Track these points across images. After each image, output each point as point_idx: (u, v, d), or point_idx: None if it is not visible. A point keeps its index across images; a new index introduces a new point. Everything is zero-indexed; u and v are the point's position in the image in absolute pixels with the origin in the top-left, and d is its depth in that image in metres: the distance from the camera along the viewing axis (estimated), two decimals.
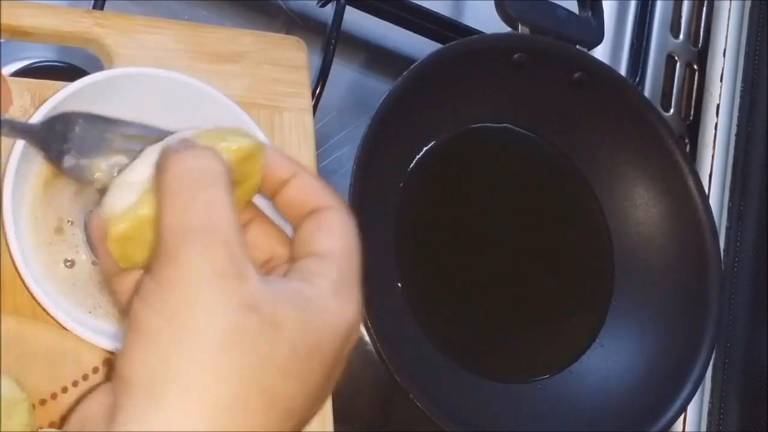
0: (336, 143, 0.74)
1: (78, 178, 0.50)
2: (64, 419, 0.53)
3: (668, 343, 0.73)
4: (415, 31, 0.77)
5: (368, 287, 0.60)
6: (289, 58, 0.65)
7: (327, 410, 0.60)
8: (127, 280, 0.44)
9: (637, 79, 0.88)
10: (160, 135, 0.46)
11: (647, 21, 0.91)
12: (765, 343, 0.84)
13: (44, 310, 0.52)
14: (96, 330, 0.54)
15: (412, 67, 0.66)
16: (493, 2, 0.72)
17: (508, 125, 0.75)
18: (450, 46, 0.69)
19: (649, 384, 0.71)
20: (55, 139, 0.50)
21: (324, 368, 0.41)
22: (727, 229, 0.90)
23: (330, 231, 0.43)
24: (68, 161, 0.50)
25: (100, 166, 0.49)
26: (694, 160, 0.89)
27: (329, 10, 0.73)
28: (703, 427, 0.84)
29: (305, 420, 0.41)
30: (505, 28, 0.72)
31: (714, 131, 0.92)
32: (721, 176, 0.91)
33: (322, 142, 0.72)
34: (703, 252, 0.74)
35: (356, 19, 0.76)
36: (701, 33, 0.94)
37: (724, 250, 0.84)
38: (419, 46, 0.77)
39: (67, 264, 0.56)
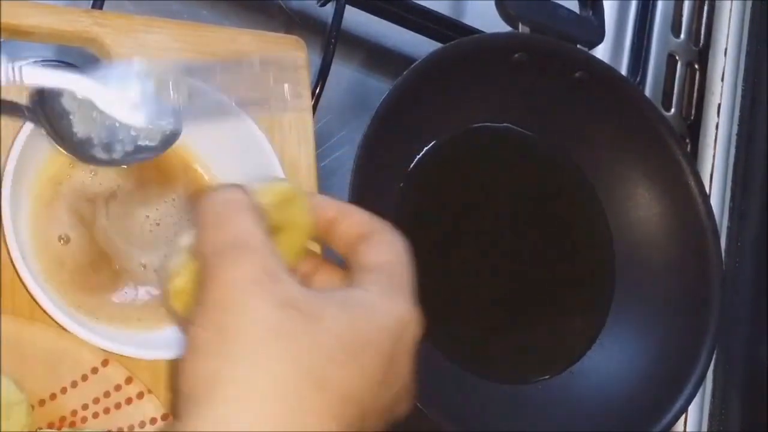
0: (336, 143, 0.74)
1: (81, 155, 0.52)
2: (63, 420, 0.53)
3: (669, 343, 0.73)
4: (415, 31, 0.77)
5: None
6: (289, 58, 0.65)
7: None
8: None
9: (638, 79, 0.88)
10: None
11: (648, 20, 0.90)
12: (766, 343, 0.84)
13: (43, 310, 0.52)
14: (95, 330, 0.54)
15: (412, 66, 0.66)
16: (493, 2, 0.72)
17: (508, 125, 0.75)
18: (450, 46, 0.69)
19: (650, 384, 0.71)
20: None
21: (379, 361, 0.42)
22: (728, 229, 0.90)
23: (379, 247, 0.47)
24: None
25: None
26: (695, 160, 0.88)
27: (329, 9, 0.73)
28: (704, 428, 0.84)
29: (382, 414, 0.43)
30: (505, 28, 0.72)
31: (715, 131, 0.92)
32: (722, 176, 0.91)
33: (322, 142, 0.71)
34: (703, 252, 0.74)
35: (356, 19, 0.75)
36: (702, 32, 0.94)
37: (724, 250, 0.84)
38: (419, 45, 0.77)
39: (69, 264, 0.56)
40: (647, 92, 0.88)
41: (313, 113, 0.66)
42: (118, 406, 0.54)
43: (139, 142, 0.54)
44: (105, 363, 0.53)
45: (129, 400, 0.54)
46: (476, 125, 0.73)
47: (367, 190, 0.62)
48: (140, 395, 0.54)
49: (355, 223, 0.47)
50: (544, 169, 0.76)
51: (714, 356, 0.73)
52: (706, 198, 0.75)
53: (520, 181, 0.75)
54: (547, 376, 0.71)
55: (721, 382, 0.85)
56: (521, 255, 0.74)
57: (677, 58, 0.92)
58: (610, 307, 0.74)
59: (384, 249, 0.47)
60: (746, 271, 0.87)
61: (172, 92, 0.52)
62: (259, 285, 0.40)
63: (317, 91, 0.69)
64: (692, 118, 0.92)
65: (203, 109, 0.58)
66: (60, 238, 0.56)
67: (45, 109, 0.52)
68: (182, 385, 0.40)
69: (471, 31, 0.77)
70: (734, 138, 0.92)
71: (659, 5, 0.92)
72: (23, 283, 0.52)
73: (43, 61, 0.66)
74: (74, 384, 0.53)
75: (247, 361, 0.39)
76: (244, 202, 0.43)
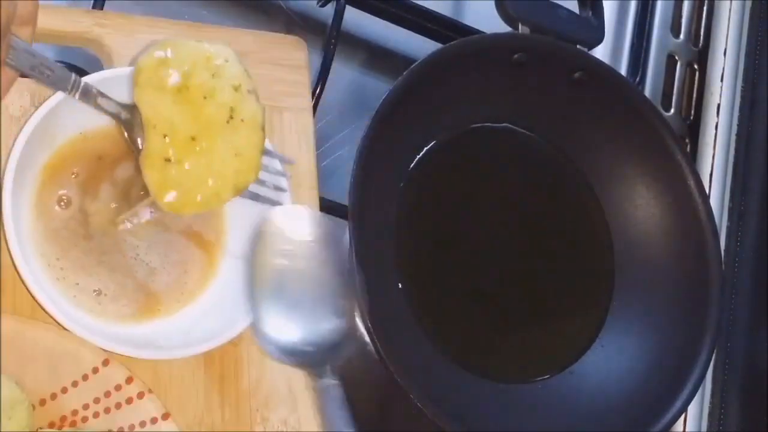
0: (336, 143, 0.74)
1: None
2: (63, 419, 0.53)
3: (668, 343, 0.73)
4: (415, 31, 0.77)
5: (368, 287, 0.60)
6: (289, 58, 0.65)
7: None
8: None
9: (638, 79, 0.88)
10: None
11: (648, 21, 0.90)
12: (766, 343, 0.84)
13: (44, 310, 0.52)
14: (96, 330, 0.54)
15: (412, 67, 0.66)
16: (493, 2, 0.72)
17: (508, 125, 0.75)
18: (450, 46, 0.69)
19: (650, 384, 0.71)
20: None
21: None
22: (728, 228, 0.90)
23: None
24: None
25: None
26: (694, 160, 0.89)
27: (329, 10, 0.74)
28: (704, 428, 0.84)
29: None
30: (505, 28, 0.72)
31: (714, 131, 0.92)
32: (722, 176, 0.91)
33: (322, 142, 0.72)
34: (703, 252, 0.74)
35: (356, 19, 0.76)
36: (702, 33, 0.94)
37: (724, 250, 0.84)
38: (419, 46, 0.77)
39: (69, 264, 0.56)
40: (647, 92, 0.88)
41: (313, 113, 0.66)
42: (118, 405, 0.54)
43: None
44: (106, 363, 0.53)
45: (129, 400, 0.54)
46: (476, 125, 0.73)
47: (368, 190, 0.63)
48: (141, 395, 0.54)
49: None
50: (544, 169, 0.76)
51: (714, 356, 0.73)
52: (705, 198, 0.75)
53: (519, 181, 0.75)
54: (547, 376, 0.71)
55: (720, 382, 0.85)
56: (521, 255, 0.74)
57: (677, 58, 0.92)
58: (610, 307, 0.74)
59: None
60: (746, 270, 0.88)
61: None
62: None
63: (317, 91, 0.69)
64: (692, 118, 0.92)
65: None
66: (61, 237, 0.56)
67: None
68: None
69: (471, 31, 0.77)
70: (734, 138, 0.92)
71: (659, 5, 0.92)
72: (24, 283, 0.52)
73: None
74: (75, 383, 0.53)
75: None
76: None
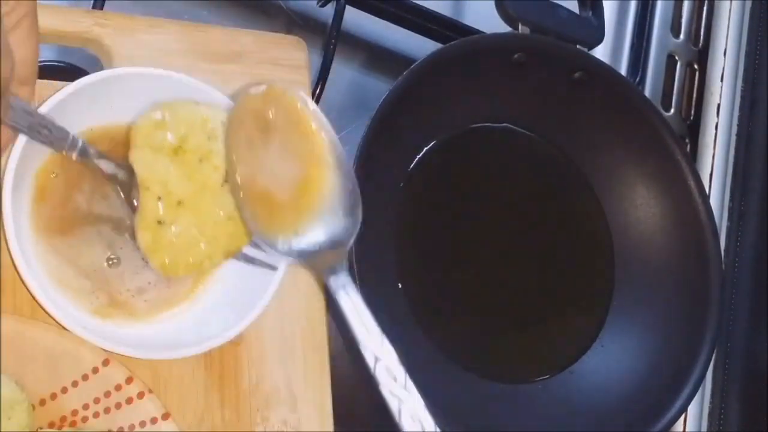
0: None
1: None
2: (63, 419, 0.53)
3: (669, 343, 0.73)
4: (415, 31, 0.77)
5: (368, 287, 0.60)
6: (289, 58, 0.65)
7: (327, 410, 0.60)
8: None
9: (638, 79, 0.88)
10: None
11: (648, 21, 0.90)
12: (765, 343, 0.84)
13: (44, 310, 0.52)
14: (96, 330, 0.54)
15: (412, 67, 0.66)
16: (493, 2, 0.72)
17: (508, 125, 0.75)
18: (450, 46, 0.69)
19: (650, 384, 0.71)
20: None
21: None
22: (728, 229, 0.90)
23: None
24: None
25: None
26: (694, 160, 0.89)
27: (329, 10, 0.74)
28: (704, 428, 0.84)
29: None
30: (505, 28, 0.72)
31: (714, 131, 0.92)
32: (722, 176, 0.91)
33: None
34: (703, 252, 0.74)
35: (356, 19, 0.76)
36: (702, 33, 0.94)
37: (724, 250, 0.84)
38: (419, 46, 0.77)
39: (69, 264, 0.56)
40: (647, 92, 0.88)
41: None
42: (118, 405, 0.54)
43: None
44: (106, 362, 0.53)
45: (130, 400, 0.54)
46: (476, 125, 0.74)
47: (368, 190, 0.62)
48: (141, 395, 0.54)
49: None
50: (544, 169, 0.76)
51: (714, 356, 0.73)
52: (705, 198, 0.75)
53: (519, 181, 0.75)
54: (547, 376, 0.71)
55: (720, 382, 0.85)
56: (521, 255, 0.74)
57: (677, 58, 0.92)
58: (610, 307, 0.74)
59: None
60: (746, 270, 0.88)
61: None
62: None
63: (317, 91, 0.69)
64: (692, 118, 0.92)
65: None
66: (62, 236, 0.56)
67: None
68: None
69: (471, 31, 0.77)
70: (734, 138, 0.92)
71: (659, 5, 0.92)
72: (24, 283, 0.52)
73: (43, 61, 0.66)
74: (75, 383, 0.53)
75: None
76: None
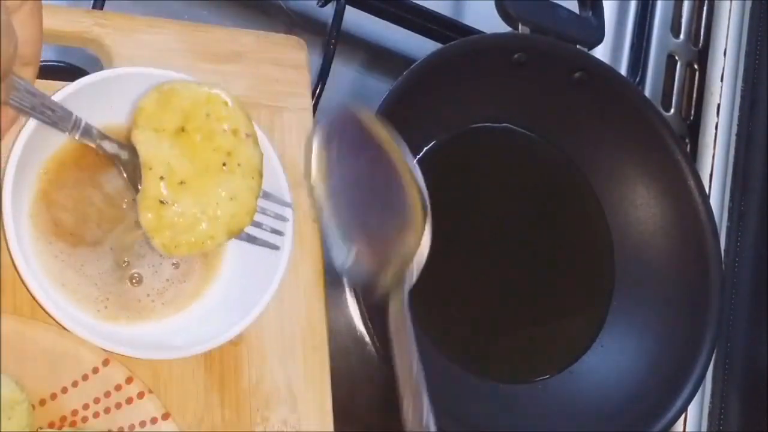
0: None
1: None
2: (63, 420, 0.53)
3: (669, 343, 0.73)
4: (415, 31, 0.77)
5: (368, 287, 0.60)
6: (289, 58, 0.65)
7: (327, 410, 0.60)
8: None
9: (638, 79, 0.88)
10: None
11: (648, 21, 0.90)
12: (765, 343, 0.84)
13: (44, 310, 0.52)
14: (96, 330, 0.54)
15: (412, 67, 0.66)
16: (493, 2, 0.72)
17: (508, 125, 0.75)
18: (450, 46, 0.69)
19: (650, 384, 0.71)
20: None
21: None
22: (728, 229, 0.90)
23: None
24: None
25: None
26: (694, 160, 0.89)
27: (329, 10, 0.73)
28: (704, 428, 0.84)
29: None
30: (505, 28, 0.72)
31: (714, 131, 0.92)
32: (722, 176, 0.91)
33: None
34: (703, 252, 0.74)
35: (356, 19, 0.76)
36: (702, 33, 0.94)
37: (724, 250, 0.84)
38: (419, 46, 0.77)
39: (69, 264, 0.56)
40: (647, 92, 0.88)
41: (313, 113, 0.66)
42: (118, 405, 0.54)
43: None
44: (106, 362, 0.53)
45: (130, 400, 0.54)
46: (476, 125, 0.74)
47: None
48: (141, 395, 0.54)
49: None
50: (544, 169, 0.76)
51: (714, 356, 0.73)
52: (705, 198, 0.75)
53: (520, 181, 0.76)
54: (546, 376, 0.71)
55: (720, 382, 0.85)
56: (521, 255, 0.74)
57: (677, 58, 0.92)
58: (609, 307, 0.74)
59: None
60: (746, 271, 0.88)
61: None
62: None
63: (317, 91, 0.69)
64: (692, 118, 0.92)
65: None
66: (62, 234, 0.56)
67: None
68: None
69: (471, 31, 0.77)
70: (734, 138, 0.92)
71: (659, 5, 0.92)
72: (24, 283, 0.52)
73: (43, 61, 0.66)
74: (75, 383, 0.53)
75: None
76: None
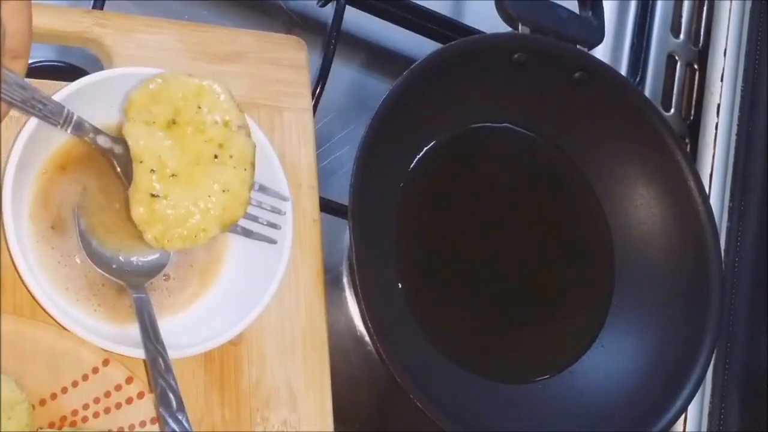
0: (336, 143, 0.74)
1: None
2: (63, 419, 0.53)
3: (669, 343, 0.73)
4: (415, 31, 0.77)
5: (368, 287, 0.60)
6: (289, 58, 0.65)
7: (327, 410, 0.60)
8: None
9: (638, 79, 0.88)
10: None
11: (648, 21, 0.90)
12: (765, 343, 0.84)
13: (44, 310, 0.52)
14: (96, 330, 0.54)
15: (412, 67, 0.66)
16: (493, 2, 0.72)
17: (508, 125, 0.75)
18: (450, 46, 0.69)
19: (650, 384, 0.71)
20: None
21: None
22: (728, 228, 0.90)
23: None
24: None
25: None
26: (694, 160, 0.89)
27: (329, 10, 0.74)
28: (704, 428, 0.84)
29: None
30: (505, 28, 0.72)
31: (714, 131, 0.92)
32: (722, 176, 0.91)
33: (322, 142, 0.72)
34: (703, 252, 0.74)
35: (356, 19, 0.76)
36: (702, 33, 0.94)
37: (724, 250, 0.84)
38: (419, 46, 0.77)
39: (68, 264, 0.56)
40: (647, 92, 0.88)
41: (313, 113, 0.66)
42: (118, 405, 0.54)
43: None
44: (106, 362, 0.53)
45: (130, 400, 0.54)
46: (476, 125, 0.74)
47: (367, 190, 0.63)
48: (141, 395, 0.54)
49: None
50: (544, 169, 0.76)
51: (713, 356, 0.73)
52: (705, 198, 0.75)
53: (520, 181, 0.75)
54: (547, 376, 0.71)
55: (720, 382, 0.85)
56: (521, 255, 0.74)
57: (677, 58, 0.92)
58: (609, 307, 0.74)
59: None
60: (746, 271, 0.88)
61: None
62: None
63: (317, 91, 0.69)
64: (692, 118, 0.92)
65: None
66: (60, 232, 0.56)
67: None
68: None
69: (471, 31, 0.77)
70: (734, 138, 0.92)
71: (659, 5, 0.92)
72: (24, 283, 0.52)
73: (43, 61, 0.66)
74: (75, 383, 0.53)
75: None
76: None
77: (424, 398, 0.61)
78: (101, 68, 0.60)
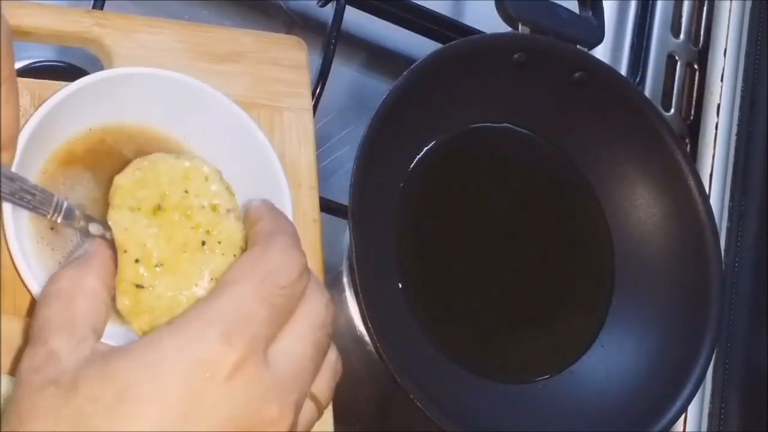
0: (336, 143, 0.74)
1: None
2: None
3: (669, 343, 0.73)
4: (415, 31, 0.77)
5: (368, 287, 0.60)
6: (289, 58, 0.65)
7: (327, 410, 0.60)
8: None
9: (638, 79, 0.88)
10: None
11: (648, 21, 0.90)
12: (765, 343, 0.84)
13: None
14: None
15: (412, 67, 0.66)
16: (493, 2, 0.72)
17: (508, 125, 0.75)
18: (450, 46, 0.69)
19: (650, 384, 0.71)
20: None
21: (154, 408, 0.42)
22: (728, 229, 0.90)
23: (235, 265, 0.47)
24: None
25: None
26: (694, 160, 0.89)
27: (329, 10, 0.74)
28: (704, 428, 0.84)
29: None
30: (505, 28, 0.72)
31: (714, 131, 0.92)
32: (722, 176, 0.91)
33: (322, 142, 0.72)
34: (703, 252, 0.74)
35: (356, 19, 0.76)
36: (702, 33, 0.94)
37: (724, 250, 0.84)
38: (419, 46, 0.77)
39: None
40: (647, 92, 0.88)
41: (313, 113, 0.66)
42: None
43: None
44: None
45: None
46: (476, 125, 0.74)
47: (367, 190, 0.63)
48: None
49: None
50: (544, 169, 0.76)
51: (713, 356, 0.73)
52: (705, 198, 0.75)
53: (519, 181, 0.75)
54: (546, 376, 0.71)
55: (720, 382, 0.85)
56: (521, 255, 0.74)
57: (677, 58, 0.92)
58: (609, 307, 0.74)
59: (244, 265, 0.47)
60: (746, 271, 0.88)
61: None
62: (32, 372, 0.44)
63: (317, 91, 0.69)
64: (692, 118, 0.92)
65: (204, 110, 0.58)
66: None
67: None
68: None
69: (471, 31, 0.77)
70: (734, 138, 0.92)
71: (659, 5, 0.92)
72: (24, 283, 0.52)
73: (43, 61, 0.66)
74: None
75: None
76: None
77: (424, 398, 0.61)
78: (101, 68, 0.60)
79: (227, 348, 0.43)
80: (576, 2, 0.77)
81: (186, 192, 0.52)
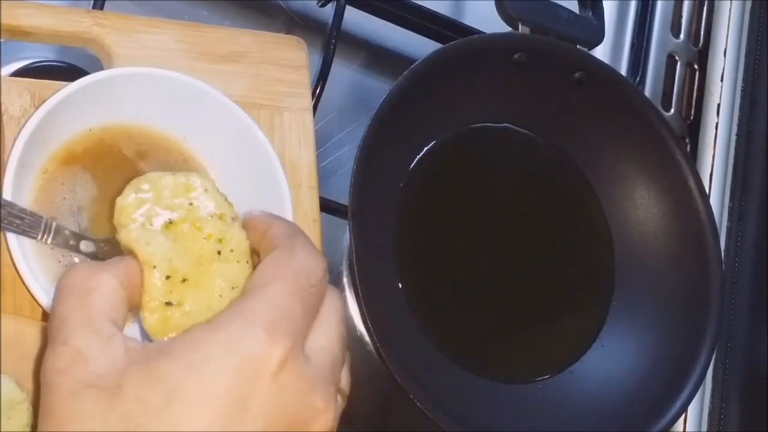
0: (336, 143, 0.74)
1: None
2: None
3: (669, 343, 0.73)
4: (415, 31, 0.77)
5: (368, 287, 0.60)
6: (289, 58, 0.65)
7: None
8: None
9: (638, 79, 0.88)
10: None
11: (648, 21, 0.90)
12: (765, 343, 0.84)
13: (44, 310, 0.52)
14: None
15: (412, 67, 0.66)
16: (493, 2, 0.72)
17: (508, 125, 0.75)
18: (450, 46, 0.69)
19: (650, 384, 0.71)
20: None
21: (203, 410, 0.41)
22: (728, 229, 0.90)
23: (262, 269, 0.47)
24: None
25: None
26: (694, 160, 0.89)
27: (329, 10, 0.74)
28: (704, 428, 0.84)
29: None
30: (505, 28, 0.72)
31: (714, 131, 0.92)
32: (722, 176, 0.91)
33: (322, 142, 0.72)
34: (703, 252, 0.74)
35: (356, 19, 0.76)
36: (702, 32, 0.94)
37: (724, 250, 0.84)
38: (419, 46, 0.77)
39: (68, 264, 0.56)
40: (647, 92, 0.88)
41: (313, 113, 0.66)
42: None
43: None
44: None
45: None
46: (476, 125, 0.73)
47: (367, 190, 0.63)
48: None
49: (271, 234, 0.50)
50: (544, 169, 0.76)
51: (714, 356, 0.73)
52: (705, 198, 0.75)
53: (520, 181, 0.75)
54: (547, 376, 0.71)
55: (720, 382, 0.85)
56: (521, 255, 0.74)
57: (677, 58, 0.92)
58: (609, 307, 0.74)
59: (269, 270, 0.47)
60: (746, 271, 0.88)
61: None
62: (61, 374, 0.43)
63: (317, 91, 0.69)
64: (692, 118, 0.92)
65: (204, 110, 0.58)
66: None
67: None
68: None
69: (471, 31, 0.77)
70: (734, 138, 0.92)
71: (659, 5, 0.92)
72: (24, 283, 0.52)
73: (43, 61, 0.66)
74: None
75: None
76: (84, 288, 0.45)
77: (424, 398, 0.61)
78: (101, 68, 0.60)
79: (273, 345, 0.43)
80: (576, 2, 0.77)
81: (191, 204, 0.52)
